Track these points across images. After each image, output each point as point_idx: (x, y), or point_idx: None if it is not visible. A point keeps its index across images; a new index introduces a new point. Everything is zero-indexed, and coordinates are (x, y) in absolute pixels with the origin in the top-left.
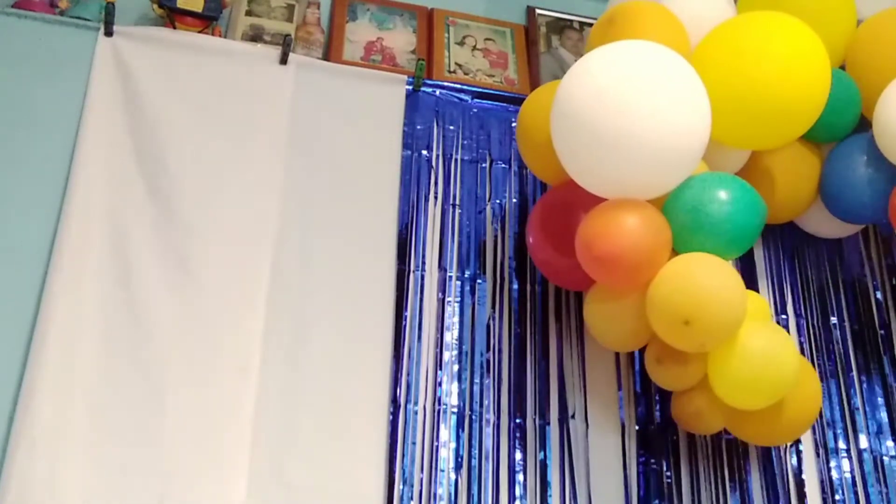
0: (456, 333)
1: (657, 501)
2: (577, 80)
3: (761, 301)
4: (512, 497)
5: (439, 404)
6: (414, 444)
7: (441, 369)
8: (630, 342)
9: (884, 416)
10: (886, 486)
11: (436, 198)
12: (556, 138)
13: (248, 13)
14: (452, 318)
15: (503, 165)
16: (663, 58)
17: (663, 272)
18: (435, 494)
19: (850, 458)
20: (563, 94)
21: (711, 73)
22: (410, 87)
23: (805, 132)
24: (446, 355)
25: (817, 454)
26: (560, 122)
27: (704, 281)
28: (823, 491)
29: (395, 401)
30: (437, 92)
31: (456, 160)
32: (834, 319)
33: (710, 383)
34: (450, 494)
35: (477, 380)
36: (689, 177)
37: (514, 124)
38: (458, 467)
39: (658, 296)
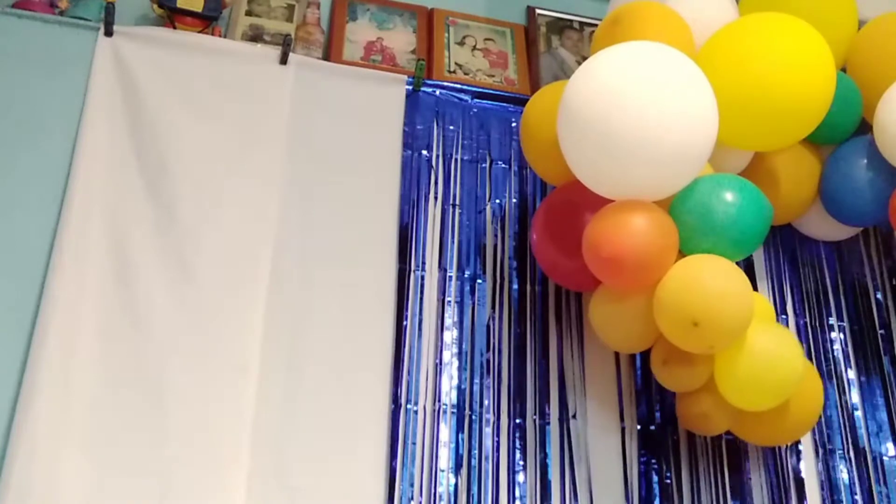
0: (456, 333)
1: (658, 501)
2: (584, 81)
3: (765, 302)
4: (512, 497)
5: (439, 404)
6: (414, 444)
7: (441, 369)
8: (637, 343)
9: (884, 416)
10: (886, 486)
11: (436, 198)
12: (563, 139)
13: (248, 13)
14: (452, 318)
15: (503, 165)
16: (672, 59)
17: (671, 274)
18: (435, 494)
19: (850, 458)
20: (570, 95)
21: (716, 74)
22: (410, 87)
23: (809, 134)
24: (446, 355)
25: (817, 454)
26: (567, 124)
27: (713, 282)
28: (823, 491)
29: (395, 401)
30: (437, 92)
31: (456, 160)
32: (834, 320)
33: (716, 385)
34: (450, 494)
35: (477, 380)
36: (695, 178)
37: (514, 124)
38: (457, 467)
39: (666, 297)
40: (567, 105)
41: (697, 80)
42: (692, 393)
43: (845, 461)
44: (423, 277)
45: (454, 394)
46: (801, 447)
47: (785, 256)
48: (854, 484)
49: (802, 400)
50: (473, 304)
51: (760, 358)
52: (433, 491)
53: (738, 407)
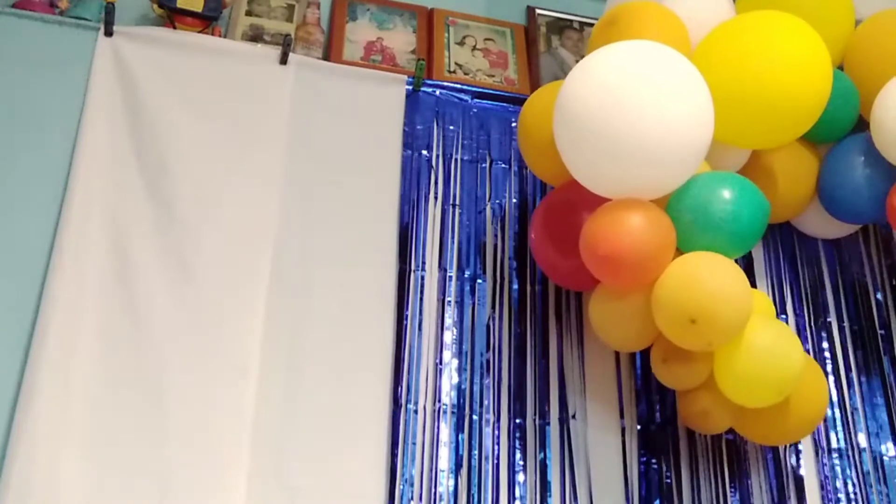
0: (456, 333)
1: (658, 501)
2: (580, 80)
3: (765, 298)
4: (512, 497)
5: (439, 404)
6: (414, 444)
7: (441, 369)
8: (636, 342)
9: (884, 416)
10: (886, 486)
11: (436, 198)
12: (560, 139)
13: (248, 13)
14: (452, 318)
15: (503, 165)
16: (667, 58)
17: (669, 272)
18: (435, 494)
19: (850, 458)
20: (566, 94)
21: (713, 72)
22: (410, 87)
23: (806, 131)
24: (446, 355)
25: (817, 454)
26: (563, 123)
27: (710, 280)
28: (823, 491)
29: (395, 400)
30: (437, 92)
31: (456, 160)
32: (833, 319)
33: (716, 382)
34: (450, 494)
35: (477, 380)
36: (692, 176)
37: (514, 124)
38: (457, 467)
39: (664, 295)
40: (563, 105)
41: (694, 78)
42: (693, 391)
43: (845, 461)
44: (423, 277)
45: (454, 394)
46: (800, 447)
47: (784, 255)
48: (854, 484)
49: (806, 397)
50: (473, 304)
51: (759, 354)
52: (433, 491)
53: (739, 403)
